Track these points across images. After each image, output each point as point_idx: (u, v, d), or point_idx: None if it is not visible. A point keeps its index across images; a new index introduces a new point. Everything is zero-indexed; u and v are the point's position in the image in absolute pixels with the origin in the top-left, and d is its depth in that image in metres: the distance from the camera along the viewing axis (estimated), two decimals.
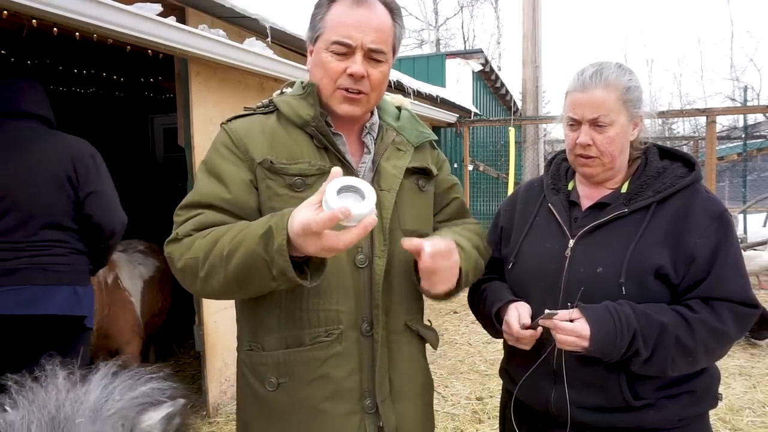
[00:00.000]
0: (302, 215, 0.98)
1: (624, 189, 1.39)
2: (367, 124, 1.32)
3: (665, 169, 1.37)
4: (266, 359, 1.23)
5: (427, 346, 1.39)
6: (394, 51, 1.28)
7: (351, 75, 1.19)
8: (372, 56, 1.21)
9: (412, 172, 1.32)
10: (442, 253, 1.15)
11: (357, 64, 1.19)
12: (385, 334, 1.26)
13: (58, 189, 2.41)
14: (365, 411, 1.23)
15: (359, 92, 1.22)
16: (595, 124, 1.33)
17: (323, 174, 1.19)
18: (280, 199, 1.19)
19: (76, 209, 2.47)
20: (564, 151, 1.48)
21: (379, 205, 1.24)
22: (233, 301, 1.34)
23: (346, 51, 1.19)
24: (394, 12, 1.25)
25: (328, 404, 1.21)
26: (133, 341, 3.48)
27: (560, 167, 1.54)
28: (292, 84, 1.35)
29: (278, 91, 1.34)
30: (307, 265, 1.08)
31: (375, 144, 1.31)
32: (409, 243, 1.15)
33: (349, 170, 1.24)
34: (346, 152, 1.26)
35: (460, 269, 1.23)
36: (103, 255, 2.69)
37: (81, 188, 2.46)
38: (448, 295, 1.27)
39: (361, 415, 1.23)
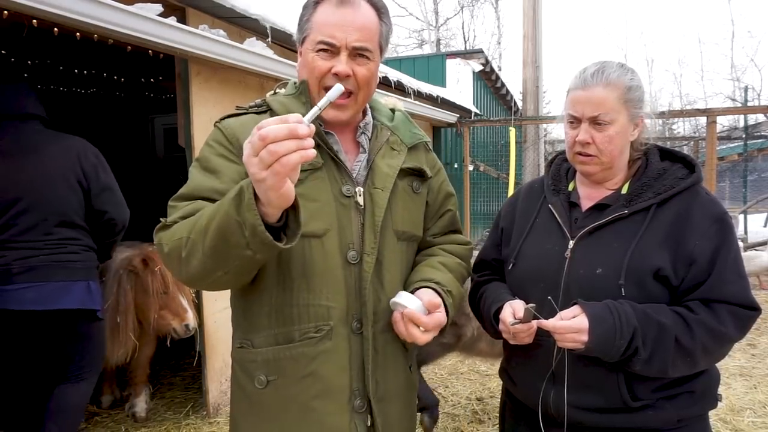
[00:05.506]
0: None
1: (624, 190, 1.39)
2: (361, 124, 1.33)
3: (666, 171, 1.37)
4: (256, 356, 1.24)
5: None
6: (382, 50, 1.29)
7: (336, 74, 1.20)
8: (357, 54, 1.21)
9: (407, 173, 1.33)
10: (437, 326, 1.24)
11: (342, 64, 1.20)
12: (374, 333, 1.26)
13: (69, 188, 2.54)
14: (355, 410, 1.23)
15: (349, 94, 1.23)
16: (594, 122, 1.33)
17: (314, 170, 1.21)
18: None
19: (86, 207, 2.60)
20: (564, 152, 1.48)
21: (372, 203, 1.26)
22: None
23: (331, 51, 1.20)
24: (380, 11, 1.26)
25: (318, 402, 1.21)
26: (148, 343, 3.49)
27: (561, 168, 1.54)
28: (285, 84, 1.35)
29: (271, 92, 1.35)
30: (285, 232, 1.06)
31: (369, 143, 1.32)
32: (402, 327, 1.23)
33: (341, 168, 1.25)
34: (339, 151, 1.27)
35: (447, 312, 1.28)
36: (109, 249, 2.83)
37: (92, 186, 2.60)
38: None
39: (351, 415, 1.23)
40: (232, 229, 1.00)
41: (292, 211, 1.03)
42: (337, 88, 1.01)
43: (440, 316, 1.23)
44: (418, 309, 1.20)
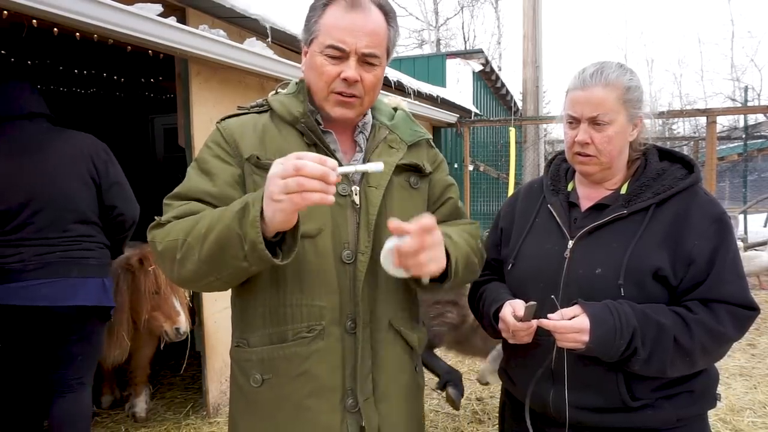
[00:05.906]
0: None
1: (623, 190, 1.39)
2: (360, 124, 1.33)
3: (664, 171, 1.37)
4: (251, 355, 1.25)
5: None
6: (389, 54, 1.29)
7: (345, 79, 1.20)
8: (366, 60, 1.22)
9: (404, 169, 1.33)
10: (424, 228, 1.09)
11: (351, 69, 1.20)
12: (370, 333, 1.26)
13: (83, 185, 2.54)
14: (347, 410, 1.24)
15: (353, 96, 1.23)
16: (594, 122, 1.34)
17: None
18: None
19: (99, 203, 2.61)
20: (564, 152, 1.48)
21: (367, 201, 1.26)
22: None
23: (340, 55, 1.20)
24: (388, 15, 1.26)
25: (311, 401, 1.22)
26: (148, 343, 3.49)
27: (560, 168, 1.54)
28: (287, 84, 1.36)
29: (273, 91, 1.36)
30: (281, 248, 1.10)
31: (367, 142, 1.33)
32: (394, 225, 1.09)
33: None
34: (336, 150, 1.28)
35: (449, 255, 1.19)
36: (121, 245, 2.83)
37: (103, 181, 2.60)
38: (440, 281, 1.22)
39: (343, 414, 1.23)
40: (233, 242, 1.05)
41: (290, 231, 1.08)
42: (377, 166, 1.08)
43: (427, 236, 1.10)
44: (391, 245, 1.12)
